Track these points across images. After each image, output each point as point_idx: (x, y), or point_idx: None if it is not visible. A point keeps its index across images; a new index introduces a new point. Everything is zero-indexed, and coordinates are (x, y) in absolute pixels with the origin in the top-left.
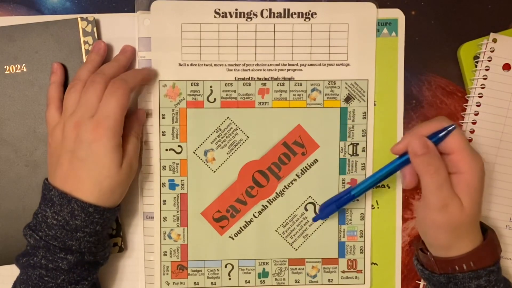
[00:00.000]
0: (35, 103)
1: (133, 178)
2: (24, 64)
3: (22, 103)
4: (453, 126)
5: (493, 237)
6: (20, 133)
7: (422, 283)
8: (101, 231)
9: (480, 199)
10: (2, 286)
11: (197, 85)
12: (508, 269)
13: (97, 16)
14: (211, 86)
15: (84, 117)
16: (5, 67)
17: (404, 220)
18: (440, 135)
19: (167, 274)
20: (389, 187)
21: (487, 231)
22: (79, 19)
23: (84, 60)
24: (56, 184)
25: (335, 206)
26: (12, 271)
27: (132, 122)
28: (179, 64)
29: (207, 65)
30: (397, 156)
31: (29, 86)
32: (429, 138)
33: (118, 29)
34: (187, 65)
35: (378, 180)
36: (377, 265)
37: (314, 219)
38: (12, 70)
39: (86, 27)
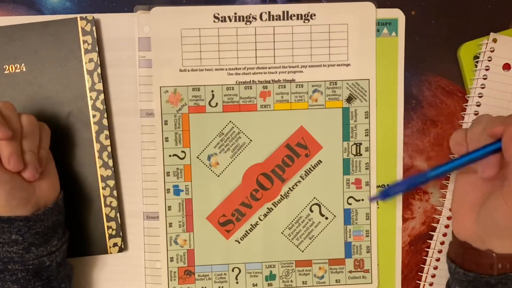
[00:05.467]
0: (34, 103)
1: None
2: (23, 64)
3: (21, 103)
4: None
5: None
6: None
7: (422, 283)
8: (23, 241)
9: None
10: None
11: (199, 90)
12: None
13: (97, 16)
14: (212, 91)
15: None
16: (4, 66)
17: (404, 220)
18: None
19: (175, 280)
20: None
21: None
22: (78, 18)
23: (84, 60)
24: None
25: (406, 186)
26: None
27: None
28: (180, 70)
29: (207, 69)
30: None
31: (29, 86)
32: None
33: (118, 29)
34: (188, 70)
35: (461, 165)
36: (378, 265)
37: (372, 199)
38: (12, 70)
39: (85, 26)
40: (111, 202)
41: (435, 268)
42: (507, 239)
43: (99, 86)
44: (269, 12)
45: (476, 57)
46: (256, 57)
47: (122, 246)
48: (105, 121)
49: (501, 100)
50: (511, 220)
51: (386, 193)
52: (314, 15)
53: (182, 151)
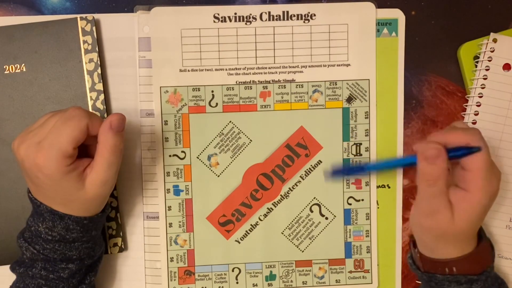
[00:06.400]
0: (34, 103)
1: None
2: (23, 64)
3: (21, 103)
4: (478, 148)
5: (483, 249)
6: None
7: None
8: (96, 234)
9: (480, 220)
10: (2, 286)
11: (199, 90)
12: (508, 269)
13: (97, 16)
14: (212, 91)
15: (32, 142)
16: (4, 67)
17: (404, 220)
18: (459, 153)
19: (175, 280)
20: (389, 187)
21: (481, 242)
22: (78, 19)
23: (84, 60)
24: (39, 199)
25: (342, 173)
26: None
27: (103, 134)
28: (180, 70)
29: (207, 70)
30: None
31: (29, 86)
32: (451, 150)
33: (118, 29)
34: (188, 70)
35: (394, 166)
36: (378, 265)
37: (326, 174)
38: (12, 70)
39: (85, 26)
40: (111, 202)
41: None
42: (419, 244)
43: (99, 86)
44: (269, 12)
45: (476, 57)
46: (256, 57)
47: (122, 246)
48: None
49: (501, 100)
50: (414, 227)
51: (332, 174)
52: (314, 15)
53: (182, 151)
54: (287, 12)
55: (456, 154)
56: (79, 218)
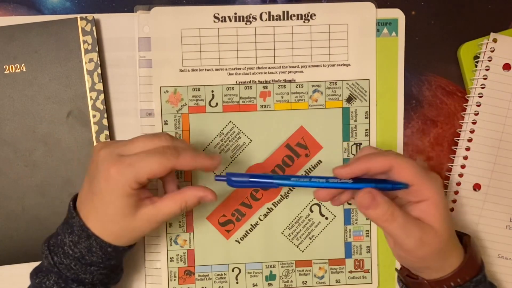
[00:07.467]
0: (34, 102)
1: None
2: (23, 64)
3: (21, 103)
4: (405, 185)
5: (472, 246)
6: (20, 133)
7: None
8: (115, 263)
9: (450, 214)
10: (2, 286)
11: (199, 90)
12: (508, 269)
13: (97, 16)
14: (212, 91)
15: (115, 151)
16: (4, 66)
17: None
18: (388, 188)
19: (175, 280)
20: None
21: (463, 239)
22: (78, 19)
23: (84, 60)
24: (79, 206)
25: (249, 180)
26: (12, 271)
27: (190, 194)
28: (180, 70)
29: (207, 69)
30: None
31: (29, 86)
32: (377, 184)
33: (118, 29)
34: (188, 70)
35: (308, 186)
36: (378, 265)
37: (217, 178)
38: (12, 70)
39: (85, 26)
40: None
41: None
42: (425, 272)
43: (99, 86)
44: (269, 12)
45: (476, 57)
46: (256, 57)
47: None
48: (105, 121)
49: (501, 100)
50: (415, 262)
51: (230, 182)
52: (314, 15)
53: None
54: (287, 12)
55: (385, 189)
56: (105, 244)
